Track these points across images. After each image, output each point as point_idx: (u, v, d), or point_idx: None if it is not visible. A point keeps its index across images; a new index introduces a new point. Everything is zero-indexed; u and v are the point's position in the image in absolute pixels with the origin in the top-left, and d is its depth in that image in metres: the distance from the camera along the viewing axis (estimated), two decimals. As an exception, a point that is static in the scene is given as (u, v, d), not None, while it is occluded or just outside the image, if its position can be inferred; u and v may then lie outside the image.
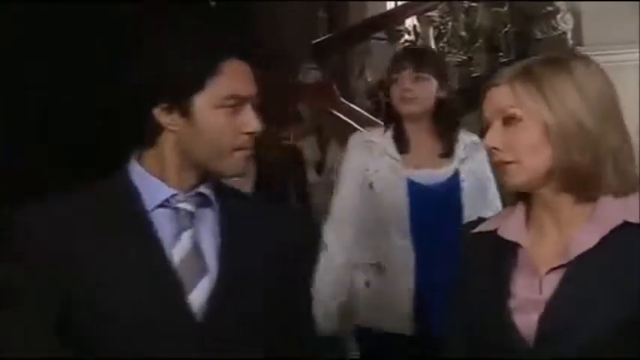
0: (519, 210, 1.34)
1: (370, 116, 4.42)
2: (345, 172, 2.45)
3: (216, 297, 1.30)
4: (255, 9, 4.72)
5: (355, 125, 4.01)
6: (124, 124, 1.41)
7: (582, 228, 1.26)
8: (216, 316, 1.29)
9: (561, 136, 1.24)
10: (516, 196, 1.35)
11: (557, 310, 1.23)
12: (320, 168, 4.14)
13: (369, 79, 4.96)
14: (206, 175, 1.34)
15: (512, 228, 1.33)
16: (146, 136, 1.33)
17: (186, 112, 1.29)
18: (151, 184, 1.33)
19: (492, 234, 1.34)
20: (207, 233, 1.34)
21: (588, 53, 2.92)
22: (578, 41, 2.98)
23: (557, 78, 1.26)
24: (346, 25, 5.39)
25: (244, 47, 1.34)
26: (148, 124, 1.31)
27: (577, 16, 2.94)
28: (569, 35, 2.97)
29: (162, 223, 1.31)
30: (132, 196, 1.32)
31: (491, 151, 1.31)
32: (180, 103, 1.29)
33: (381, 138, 2.41)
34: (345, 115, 4.48)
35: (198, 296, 1.29)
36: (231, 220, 1.35)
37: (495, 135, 1.29)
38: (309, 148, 4.21)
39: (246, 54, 1.33)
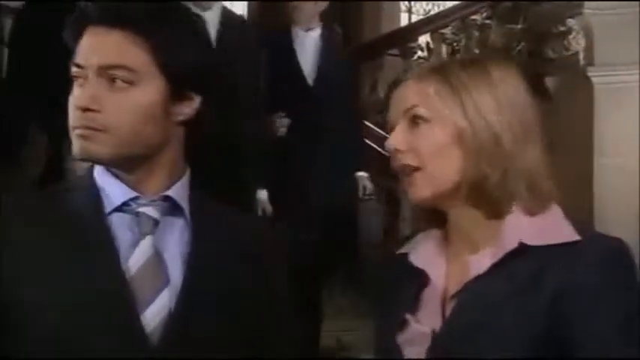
0: (434, 233, 1.22)
1: (381, 132, 4.42)
2: None
3: (177, 312, 1.13)
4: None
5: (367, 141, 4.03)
6: None
7: (482, 251, 1.15)
8: (176, 336, 1.12)
9: (473, 144, 1.13)
10: (429, 221, 1.23)
11: (442, 341, 1.13)
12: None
13: (382, 95, 4.98)
14: (173, 174, 1.19)
15: (422, 253, 1.21)
16: None
17: None
18: (109, 184, 1.17)
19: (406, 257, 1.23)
20: (173, 241, 1.17)
21: (601, 74, 2.96)
22: (590, 61, 2.98)
23: (474, 81, 1.15)
24: (360, 41, 5.41)
25: (95, 12, 1.17)
26: None
27: (589, 37, 2.94)
28: (581, 55, 2.97)
29: (121, 229, 1.15)
30: (90, 197, 1.16)
31: (393, 155, 1.18)
32: None
33: None
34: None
35: (155, 313, 1.12)
36: (202, 229, 1.20)
37: (399, 136, 1.17)
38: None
39: (99, 18, 1.16)
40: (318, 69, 3.56)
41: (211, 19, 3.15)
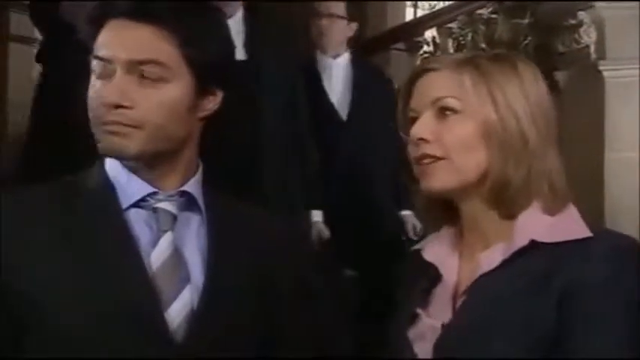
0: (446, 231, 1.21)
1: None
2: None
3: (200, 311, 1.13)
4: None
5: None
6: None
7: (494, 247, 1.14)
8: (199, 334, 1.12)
9: (501, 140, 1.12)
10: (439, 216, 1.22)
11: (449, 337, 1.11)
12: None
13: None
14: (189, 170, 1.19)
15: (435, 249, 1.20)
16: None
17: None
18: (125, 179, 1.15)
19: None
20: (191, 238, 1.17)
21: (612, 68, 2.92)
22: (601, 55, 2.95)
23: (504, 75, 1.14)
24: (365, 35, 5.37)
25: (124, 4, 1.14)
26: None
27: (600, 30, 2.91)
28: (592, 49, 2.94)
29: (139, 225, 1.14)
30: (104, 192, 1.15)
31: (415, 144, 1.15)
32: None
33: None
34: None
35: (178, 311, 1.12)
36: (219, 225, 1.20)
37: (426, 125, 1.14)
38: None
39: (126, 10, 1.14)
40: (351, 101, 3.22)
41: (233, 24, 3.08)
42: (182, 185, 1.17)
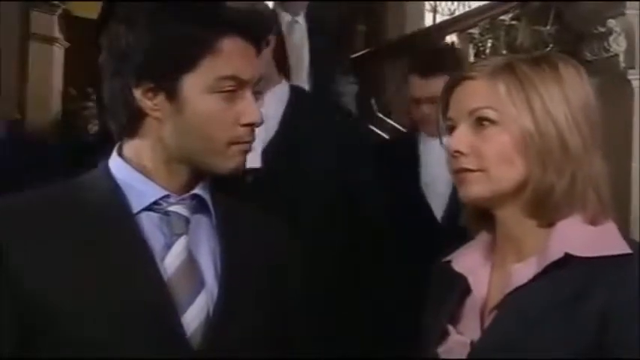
0: (480, 239, 1.17)
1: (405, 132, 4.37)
2: None
3: (217, 317, 1.10)
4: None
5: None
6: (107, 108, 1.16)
7: (528, 260, 1.09)
8: (216, 340, 1.09)
9: (539, 148, 1.08)
10: (478, 225, 1.18)
11: (478, 355, 1.07)
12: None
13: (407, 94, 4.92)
14: (200, 173, 1.15)
15: (466, 260, 1.16)
16: (124, 121, 1.13)
17: (172, 96, 1.09)
18: (137, 182, 1.12)
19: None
20: (203, 242, 1.15)
21: (642, 76, 2.88)
22: (630, 64, 2.91)
23: (543, 79, 1.09)
24: (385, 40, 5.35)
25: (248, 22, 1.12)
26: (126, 107, 1.11)
27: (630, 38, 2.87)
28: (621, 57, 2.90)
29: (151, 229, 1.11)
30: (114, 196, 1.11)
31: (452, 156, 1.12)
32: (166, 84, 1.08)
33: None
34: (381, 131, 4.44)
35: (194, 316, 1.09)
36: (229, 227, 1.17)
37: (462, 138, 1.11)
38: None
39: (251, 32, 1.12)
40: None
41: None
42: (192, 188, 1.15)
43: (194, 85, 1.08)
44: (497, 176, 1.10)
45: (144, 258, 1.09)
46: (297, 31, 3.67)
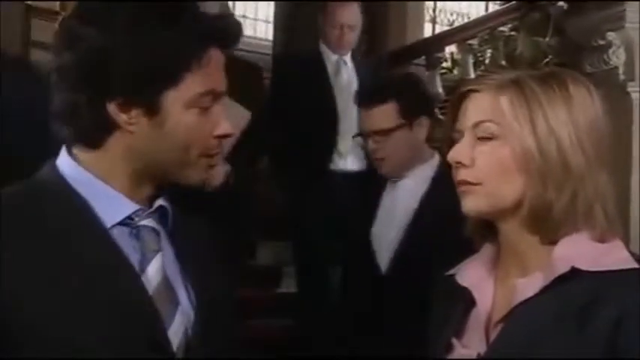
0: (483, 252, 1.18)
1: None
2: None
3: (197, 333, 1.09)
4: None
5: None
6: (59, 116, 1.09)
7: (533, 274, 1.09)
8: (198, 356, 1.09)
9: (539, 166, 1.07)
10: (482, 236, 1.18)
11: None
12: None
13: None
14: (162, 185, 1.13)
15: (470, 273, 1.16)
16: (89, 133, 1.07)
17: (153, 111, 1.05)
18: (106, 194, 1.07)
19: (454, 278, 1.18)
20: (168, 256, 1.12)
21: (641, 89, 2.88)
22: (630, 76, 2.92)
23: (550, 98, 1.08)
24: (386, 49, 5.37)
25: (225, 31, 1.10)
26: (95, 119, 1.05)
27: (630, 51, 2.88)
28: (620, 70, 2.91)
29: (124, 244, 1.07)
30: (81, 208, 1.05)
31: (455, 167, 1.13)
32: (147, 100, 1.04)
33: None
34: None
35: (174, 333, 1.07)
36: (184, 237, 1.15)
37: (464, 150, 1.12)
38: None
39: (228, 40, 1.11)
40: None
41: None
42: (154, 200, 1.12)
43: (175, 100, 1.05)
44: (495, 190, 1.11)
45: (129, 274, 1.05)
46: (344, 71, 3.67)
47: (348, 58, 3.70)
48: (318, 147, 3.50)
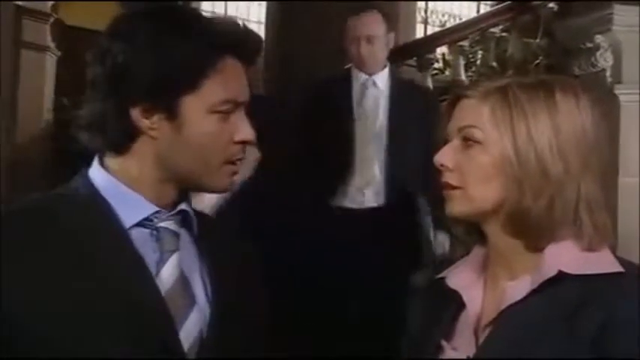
0: (473, 256, 1.19)
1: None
2: None
3: (210, 337, 1.11)
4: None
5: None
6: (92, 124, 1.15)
7: (521, 277, 1.10)
8: (212, 357, 1.10)
9: (517, 174, 1.09)
10: (469, 235, 1.20)
11: None
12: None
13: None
14: (186, 190, 1.17)
15: (460, 276, 1.18)
16: (116, 140, 1.12)
17: (173, 116, 1.09)
18: (128, 197, 1.12)
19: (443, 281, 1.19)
20: (190, 258, 1.15)
21: (628, 92, 2.91)
22: (617, 79, 2.94)
23: (534, 106, 1.10)
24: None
25: (245, 42, 1.15)
26: (121, 125, 1.10)
27: (617, 54, 2.91)
28: (608, 73, 2.93)
29: (142, 245, 1.11)
30: (103, 210, 1.10)
31: (439, 170, 1.15)
32: (167, 105, 1.09)
33: None
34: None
35: (187, 334, 1.09)
36: (209, 242, 1.18)
37: (448, 153, 1.14)
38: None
39: (246, 52, 1.15)
40: None
41: None
42: (178, 204, 1.16)
43: (194, 105, 1.10)
44: (474, 194, 1.12)
45: (142, 274, 1.08)
46: (370, 94, 3.23)
47: (379, 77, 3.25)
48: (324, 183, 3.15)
